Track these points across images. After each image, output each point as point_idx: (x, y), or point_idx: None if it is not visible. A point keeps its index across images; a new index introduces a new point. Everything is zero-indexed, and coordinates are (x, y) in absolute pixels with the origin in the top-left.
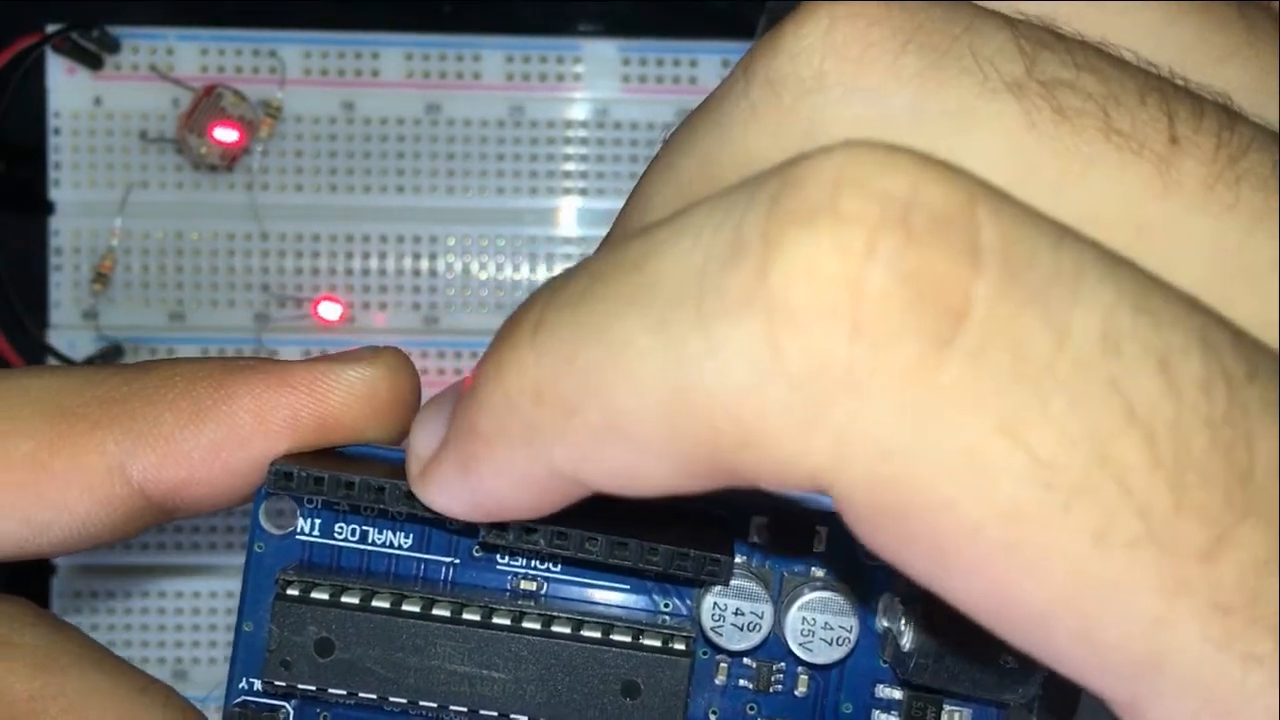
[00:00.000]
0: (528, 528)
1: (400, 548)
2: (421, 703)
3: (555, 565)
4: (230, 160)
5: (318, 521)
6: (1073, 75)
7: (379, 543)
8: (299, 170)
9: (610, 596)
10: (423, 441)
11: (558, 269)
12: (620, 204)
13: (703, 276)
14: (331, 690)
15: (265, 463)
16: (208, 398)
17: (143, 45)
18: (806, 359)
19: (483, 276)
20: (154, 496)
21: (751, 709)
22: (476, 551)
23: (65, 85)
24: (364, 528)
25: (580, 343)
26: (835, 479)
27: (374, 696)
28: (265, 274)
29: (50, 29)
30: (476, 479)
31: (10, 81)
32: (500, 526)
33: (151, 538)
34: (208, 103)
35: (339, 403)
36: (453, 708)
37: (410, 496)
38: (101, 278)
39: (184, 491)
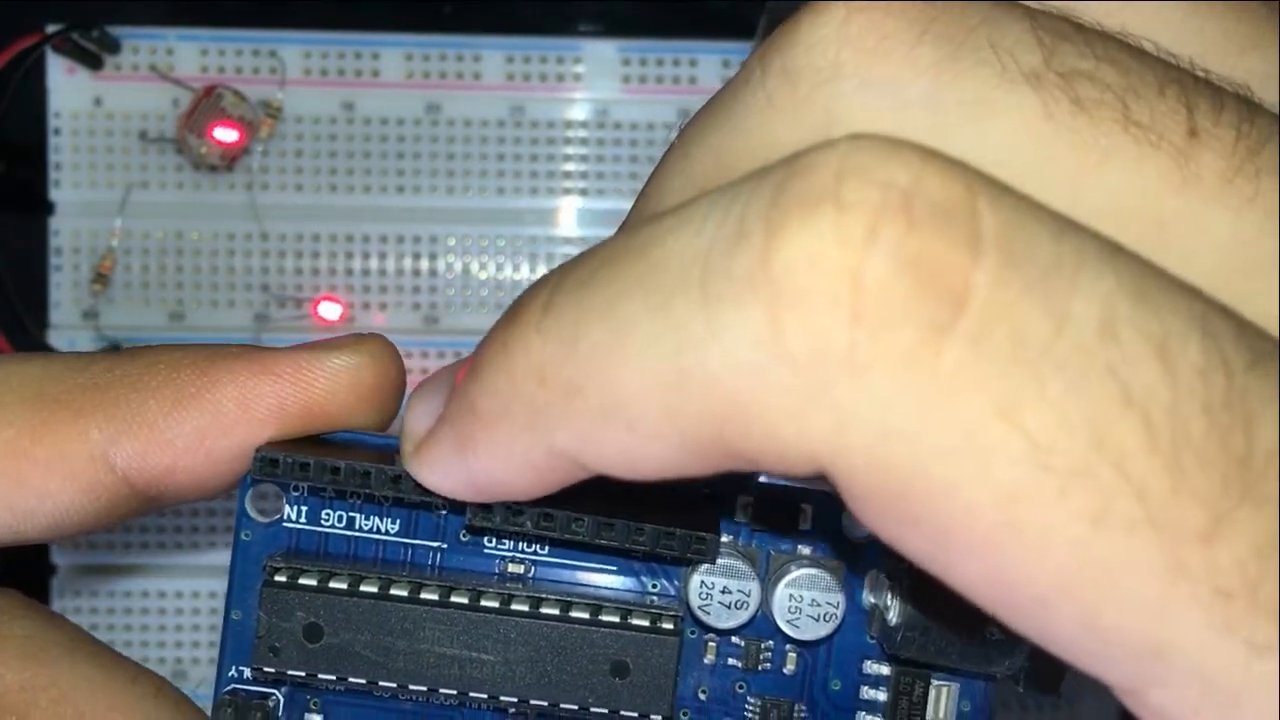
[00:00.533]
0: (514, 509)
1: (387, 533)
2: (411, 686)
3: (542, 548)
4: (230, 160)
5: (304, 509)
6: (1091, 66)
7: (366, 529)
8: (299, 170)
9: (598, 578)
10: (417, 420)
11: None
12: (621, 204)
13: (707, 261)
14: (321, 675)
15: (250, 450)
16: (191, 385)
17: (143, 45)
18: (808, 342)
19: (483, 276)
20: (138, 484)
21: (741, 687)
22: (464, 536)
23: (65, 85)
24: (350, 514)
25: (585, 325)
26: (834, 461)
27: (363, 681)
28: (265, 274)
29: (50, 29)
30: (474, 458)
31: (10, 82)
32: (486, 508)
33: (152, 537)
34: (208, 103)
35: (324, 390)
36: (442, 690)
37: (397, 480)
38: (101, 278)
39: (168, 479)
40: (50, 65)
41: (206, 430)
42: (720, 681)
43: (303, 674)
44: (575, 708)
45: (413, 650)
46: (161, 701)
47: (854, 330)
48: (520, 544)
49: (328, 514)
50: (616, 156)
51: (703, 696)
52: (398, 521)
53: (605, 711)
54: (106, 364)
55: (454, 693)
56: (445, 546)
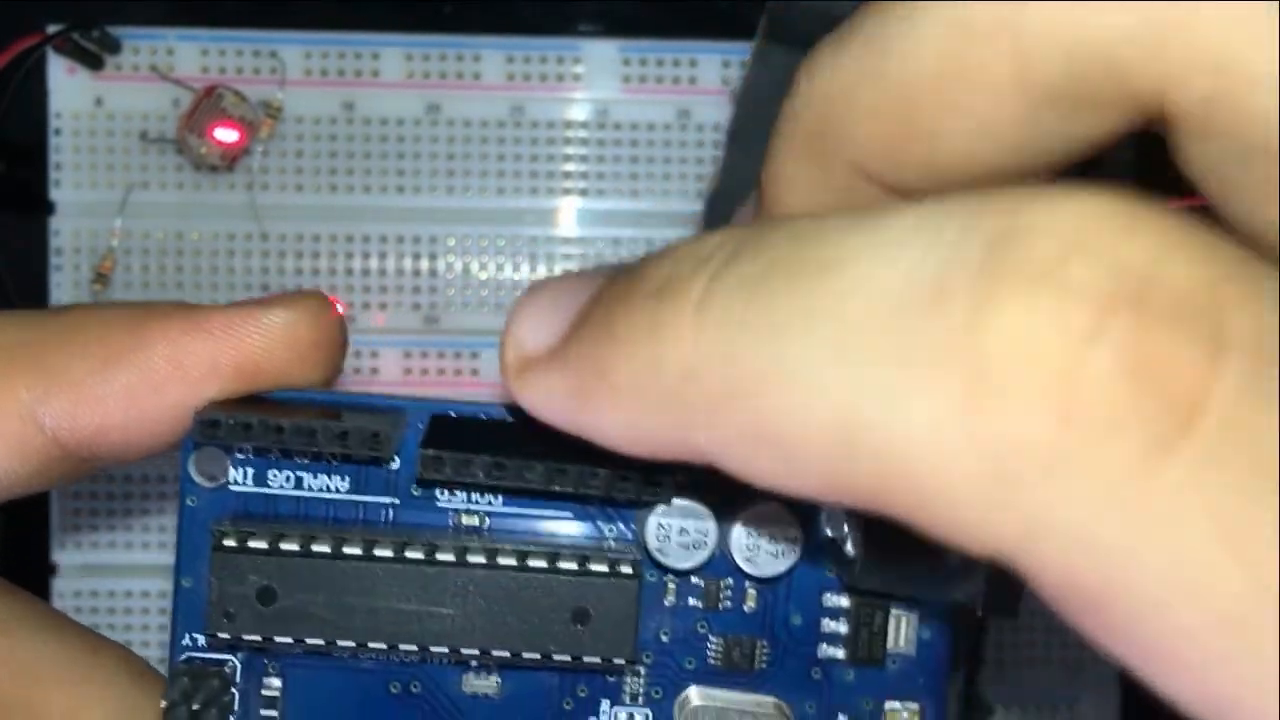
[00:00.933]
0: (465, 459)
1: (337, 491)
2: (370, 644)
3: (496, 498)
4: (230, 160)
5: (250, 471)
6: None
7: (315, 488)
8: (299, 170)
9: (554, 526)
10: (532, 332)
11: (558, 269)
12: (621, 204)
13: (902, 311)
14: (277, 638)
15: (184, 410)
16: (121, 343)
17: (143, 45)
18: (1007, 434)
19: (483, 276)
20: (68, 444)
21: (702, 627)
22: (415, 490)
23: (66, 85)
24: (298, 474)
25: (748, 340)
26: (1020, 558)
27: (321, 642)
28: (265, 274)
29: (51, 29)
30: (590, 413)
31: (11, 82)
32: (438, 459)
33: (153, 537)
34: (208, 103)
35: (259, 346)
36: (402, 647)
37: (344, 437)
38: (101, 278)
39: (100, 439)
40: (51, 65)
41: (136, 388)
42: (682, 623)
43: (259, 638)
44: (538, 656)
45: (370, 608)
46: (123, 669)
47: (1063, 431)
48: (473, 496)
49: (274, 475)
50: (617, 156)
51: (664, 639)
52: (347, 479)
53: (568, 658)
54: (35, 323)
55: (414, 648)
56: (397, 502)
